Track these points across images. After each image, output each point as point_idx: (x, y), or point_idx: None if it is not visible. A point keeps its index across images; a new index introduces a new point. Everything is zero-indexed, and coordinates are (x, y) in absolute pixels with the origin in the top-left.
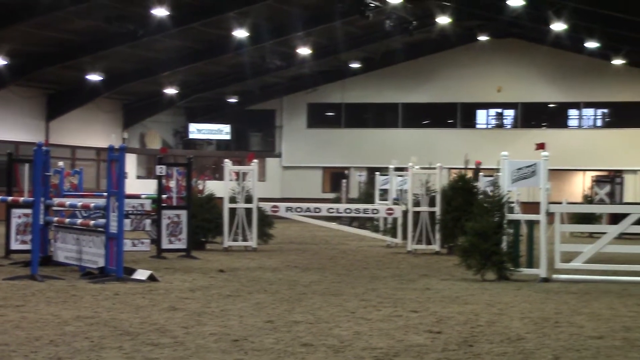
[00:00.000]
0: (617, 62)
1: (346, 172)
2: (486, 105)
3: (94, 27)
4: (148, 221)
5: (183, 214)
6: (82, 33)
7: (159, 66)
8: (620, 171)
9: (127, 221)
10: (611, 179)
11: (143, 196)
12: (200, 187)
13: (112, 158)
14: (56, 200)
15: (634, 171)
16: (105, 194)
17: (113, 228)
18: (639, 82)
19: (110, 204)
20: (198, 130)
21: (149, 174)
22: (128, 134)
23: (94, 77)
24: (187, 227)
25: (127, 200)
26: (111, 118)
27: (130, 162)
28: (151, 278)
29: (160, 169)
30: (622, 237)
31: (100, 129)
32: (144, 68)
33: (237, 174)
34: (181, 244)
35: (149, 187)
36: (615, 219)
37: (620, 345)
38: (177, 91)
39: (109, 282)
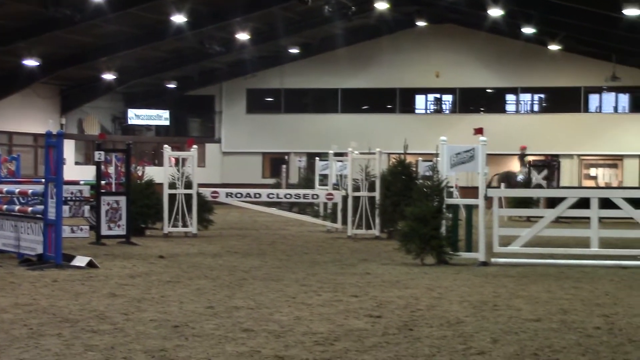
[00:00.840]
0: (553, 47)
1: (286, 157)
2: (425, 91)
3: (31, 11)
4: (87, 207)
5: (122, 200)
6: (18, 18)
7: (96, 51)
8: (557, 155)
9: (65, 207)
10: (548, 164)
11: (82, 182)
12: (140, 173)
13: (50, 144)
14: None
15: (570, 156)
16: (43, 180)
17: (51, 214)
18: (574, 67)
19: (49, 190)
20: (137, 116)
21: (87, 160)
22: (66, 119)
23: (31, 63)
24: (126, 213)
25: (65, 187)
26: (49, 104)
27: (69, 148)
28: (90, 264)
29: (99, 155)
30: (559, 221)
31: (38, 115)
32: (82, 53)
33: (177, 159)
34: (120, 230)
35: (88, 173)
36: (552, 202)
37: (557, 327)
38: (115, 77)
39: (48, 269)
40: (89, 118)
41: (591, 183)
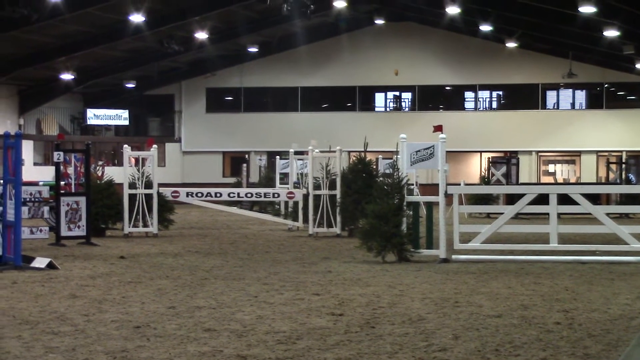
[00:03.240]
0: (511, 45)
1: (246, 156)
2: (384, 89)
3: None
4: (46, 208)
5: (82, 200)
6: None
7: (55, 51)
8: (516, 152)
9: (24, 209)
10: (507, 160)
11: (41, 183)
12: (99, 173)
13: (8, 145)
14: None
15: (529, 152)
16: (1, 181)
17: (10, 216)
18: (531, 64)
19: (7, 191)
20: (96, 116)
21: (46, 160)
22: (24, 120)
23: None
24: (86, 214)
25: (24, 188)
26: (6, 104)
27: (27, 149)
28: (50, 266)
29: (58, 156)
30: (519, 217)
31: None
32: (40, 53)
33: (137, 159)
34: (80, 231)
35: (47, 174)
36: (512, 199)
37: (518, 323)
38: (74, 77)
39: (7, 271)
40: (47, 118)
41: (550, 179)
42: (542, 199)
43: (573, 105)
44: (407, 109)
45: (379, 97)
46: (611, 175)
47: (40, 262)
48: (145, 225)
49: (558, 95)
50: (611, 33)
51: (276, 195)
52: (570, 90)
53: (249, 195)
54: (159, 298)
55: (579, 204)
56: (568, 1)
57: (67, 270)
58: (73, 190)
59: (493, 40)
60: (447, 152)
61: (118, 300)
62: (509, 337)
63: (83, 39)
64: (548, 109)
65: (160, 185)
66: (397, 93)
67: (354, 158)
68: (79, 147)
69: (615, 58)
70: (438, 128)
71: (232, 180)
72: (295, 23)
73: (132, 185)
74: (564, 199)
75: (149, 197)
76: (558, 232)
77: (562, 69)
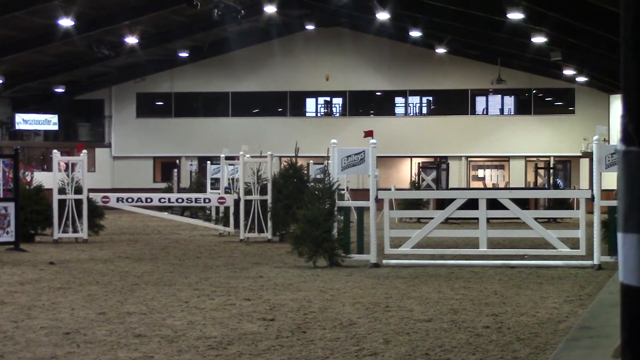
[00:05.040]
0: (440, 50)
1: (177, 161)
2: (315, 94)
3: None
4: None
5: (10, 206)
6: None
7: None
8: (446, 157)
9: None
10: (437, 165)
11: None
12: (28, 178)
13: None
14: None
15: (459, 157)
16: None
17: None
18: (460, 70)
19: None
20: (25, 121)
21: None
22: None
23: None
24: (14, 220)
25: None
26: None
27: None
28: None
29: None
30: (448, 222)
31: None
32: None
33: (66, 164)
34: (9, 237)
35: None
36: (442, 204)
37: (448, 327)
38: (1, 81)
39: None
40: None
41: (479, 184)
42: (472, 204)
43: (502, 110)
44: (337, 114)
45: (310, 103)
46: (539, 180)
47: None
48: (75, 230)
49: (487, 101)
50: (539, 39)
51: (207, 200)
52: (499, 96)
53: (179, 200)
54: (89, 304)
55: (508, 209)
56: (497, 7)
57: None
58: (1, 196)
59: (423, 46)
60: (377, 157)
61: (47, 306)
62: (439, 341)
63: (11, 43)
64: (477, 114)
65: (91, 190)
66: (327, 98)
67: (285, 163)
68: (8, 152)
69: (543, 64)
70: (369, 133)
71: (163, 185)
72: (226, 28)
73: (61, 191)
74: (493, 204)
75: (78, 203)
76: (487, 237)
77: (491, 74)
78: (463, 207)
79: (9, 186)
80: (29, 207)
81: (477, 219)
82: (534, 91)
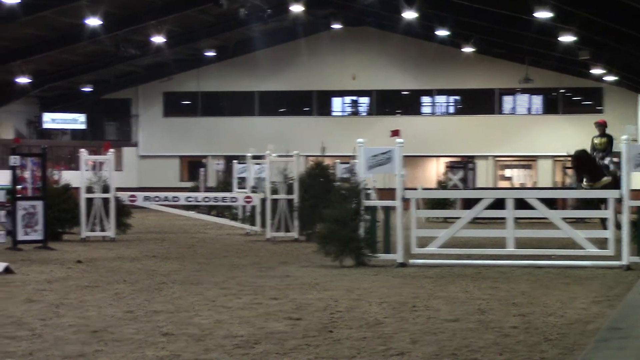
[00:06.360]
0: (467, 50)
1: (204, 160)
2: (341, 93)
3: None
4: (3, 212)
5: (39, 204)
6: None
7: (11, 55)
8: (472, 157)
9: None
10: (464, 165)
11: None
12: (56, 177)
13: None
14: None
15: (485, 157)
16: None
17: None
18: (487, 69)
19: None
20: (52, 120)
21: (2, 164)
22: None
23: None
24: (43, 218)
25: None
26: None
27: None
28: (7, 270)
29: (14, 160)
30: (475, 222)
31: None
32: None
33: (94, 163)
34: (37, 235)
35: (3, 178)
36: (469, 203)
37: (475, 327)
38: (30, 80)
39: None
40: (3, 122)
41: (506, 184)
42: (499, 204)
43: (529, 110)
44: (364, 114)
45: (337, 102)
46: (567, 180)
47: None
48: (102, 229)
49: (514, 100)
50: (567, 38)
51: (234, 199)
52: (527, 95)
53: (206, 199)
54: (116, 302)
55: (535, 209)
56: (524, 6)
57: (23, 275)
58: (30, 195)
59: (450, 45)
60: (404, 156)
61: (75, 304)
62: (466, 342)
63: (39, 43)
64: (505, 114)
65: (118, 189)
66: (354, 97)
67: (312, 162)
68: (36, 151)
69: (571, 63)
70: (395, 132)
71: (189, 184)
72: (253, 27)
73: (89, 190)
74: (521, 204)
75: (106, 201)
76: (515, 237)
77: (519, 74)
78: (490, 207)
79: (37, 185)
80: (56, 205)
81: (504, 218)
82: (562, 90)
